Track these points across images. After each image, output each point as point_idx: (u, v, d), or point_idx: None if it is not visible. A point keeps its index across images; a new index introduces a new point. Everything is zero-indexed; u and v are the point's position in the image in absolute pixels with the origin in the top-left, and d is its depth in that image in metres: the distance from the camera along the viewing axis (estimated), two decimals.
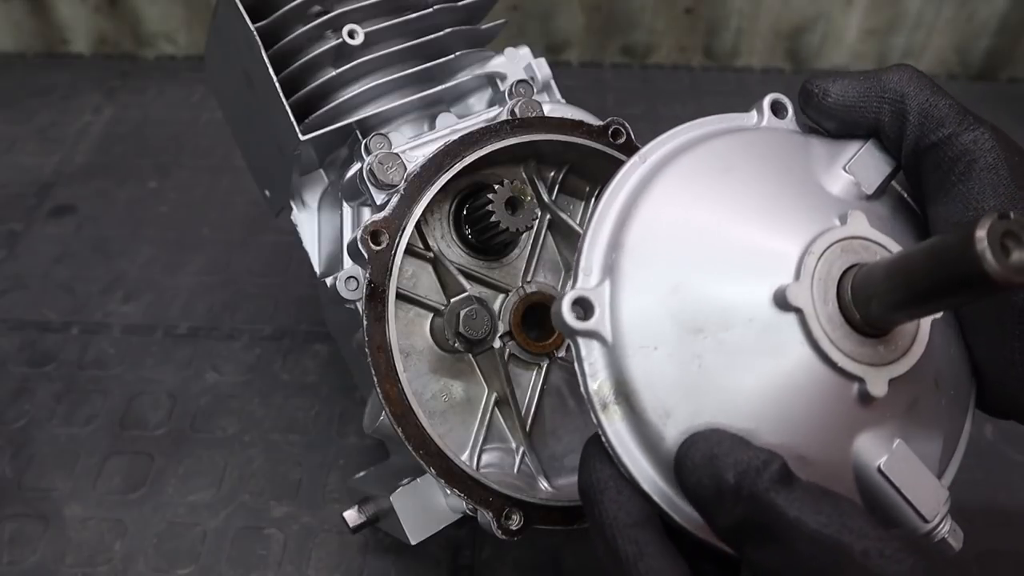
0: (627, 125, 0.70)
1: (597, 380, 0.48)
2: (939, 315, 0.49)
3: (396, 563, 0.90)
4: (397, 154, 0.66)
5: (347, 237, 0.72)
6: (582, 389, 0.48)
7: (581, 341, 0.48)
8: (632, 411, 0.48)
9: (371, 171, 0.65)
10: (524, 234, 0.70)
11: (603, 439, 0.48)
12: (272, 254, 1.24)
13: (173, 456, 0.99)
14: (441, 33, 0.74)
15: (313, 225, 0.78)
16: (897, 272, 0.44)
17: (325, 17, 0.72)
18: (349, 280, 0.65)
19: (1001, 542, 0.92)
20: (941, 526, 0.50)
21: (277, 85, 0.70)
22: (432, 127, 0.75)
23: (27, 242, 1.26)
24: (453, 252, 0.72)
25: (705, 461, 0.45)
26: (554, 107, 0.73)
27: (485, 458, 0.69)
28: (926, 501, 0.49)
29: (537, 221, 0.71)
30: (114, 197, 1.34)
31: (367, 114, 0.71)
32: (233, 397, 1.05)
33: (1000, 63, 1.65)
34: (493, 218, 0.66)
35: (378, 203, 0.66)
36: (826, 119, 0.57)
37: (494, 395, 0.70)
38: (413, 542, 0.68)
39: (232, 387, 1.07)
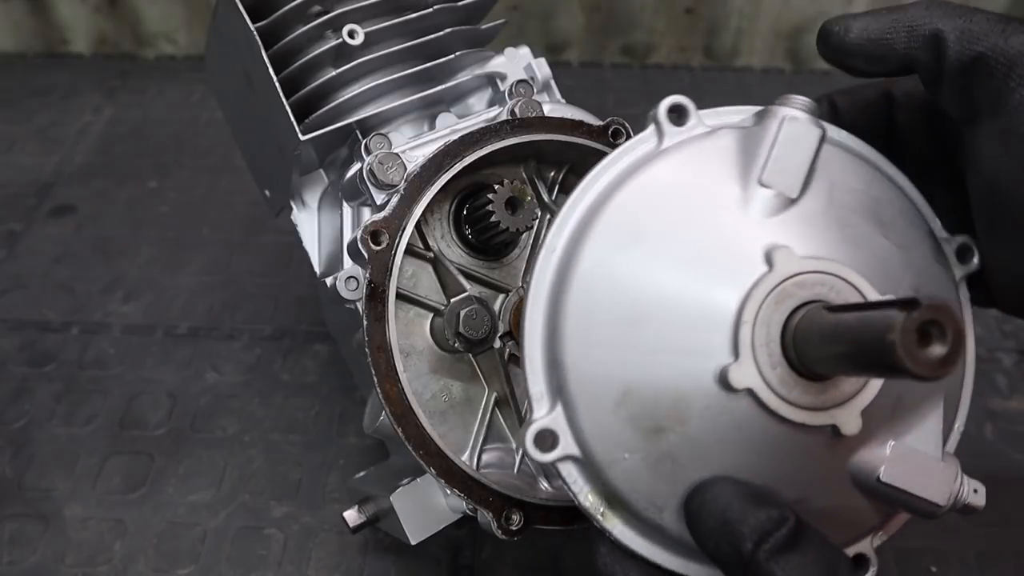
0: (627, 125, 0.70)
1: (586, 495, 0.50)
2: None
3: (396, 563, 0.90)
4: (397, 154, 0.66)
5: (347, 237, 0.72)
6: (577, 505, 0.50)
7: (558, 466, 0.49)
8: (628, 513, 0.50)
9: (371, 171, 0.65)
10: (524, 234, 0.70)
11: (612, 540, 0.50)
12: (272, 254, 1.24)
13: (173, 456, 0.99)
14: (441, 33, 0.74)
15: (313, 225, 0.78)
16: (830, 343, 0.42)
17: (325, 17, 0.72)
18: (349, 280, 0.65)
19: (1001, 542, 0.92)
20: (959, 497, 0.50)
21: (277, 85, 0.70)
22: (432, 127, 0.75)
23: (27, 242, 1.26)
24: (453, 252, 0.72)
25: (719, 527, 0.46)
26: (554, 107, 0.73)
27: (485, 458, 0.69)
28: (935, 489, 0.49)
29: (537, 221, 0.71)
30: (114, 197, 1.34)
31: (367, 114, 0.71)
32: (233, 397, 1.05)
33: None
34: (493, 218, 0.66)
35: (378, 203, 0.66)
36: (849, 57, 0.55)
37: (494, 395, 0.70)
38: (413, 542, 0.68)
39: (232, 387, 1.07)
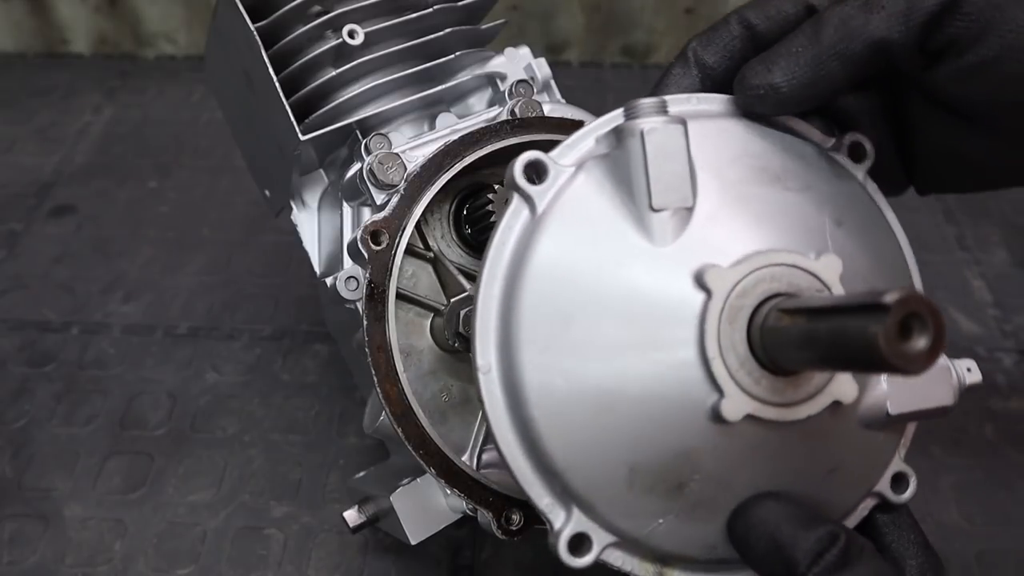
0: None
1: (639, 566, 0.50)
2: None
3: (396, 563, 0.90)
4: (397, 154, 0.66)
5: (347, 237, 0.72)
6: None
7: (603, 559, 0.49)
8: (685, 562, 0.50)
9: (371, 171, 0.65)
10: None
11: None
12: (272, 254, 1.24)
13: (173, 456, 0.99)
14: (441, 33, 0.74)
15: (313, 225, 0.78)
16: (805, 350, 0.42)
17: (325, 17, 0.72)
18: (349, 280, 0.65)
19: (1001, 542, 0.92)
20: (959, 387, 0.52)
21: (277, 85, 0.70)
22: (432, 127, 0.75)
23: (27, 242, 1.26)
24: (453, 252, 0.72)
25: (772, 552, 0.46)
26: (554, 107, 0.73)
27: (485, 458, 0.69)
28: (939, 394, 0.51)
29: None
30: (114, 197, 1.34)
31: (367, 114, 0.71)
32: (233, 397, 1.05)
33: None
34: (493, 218, 0.66)
35: (378, 203, 0.66)
36: (795, 108, 0.52)
37: None
38: (413, 542, 0.68)
39: (232, 387, 1.07)
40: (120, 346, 1.11)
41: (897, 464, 0.54)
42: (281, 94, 0.70)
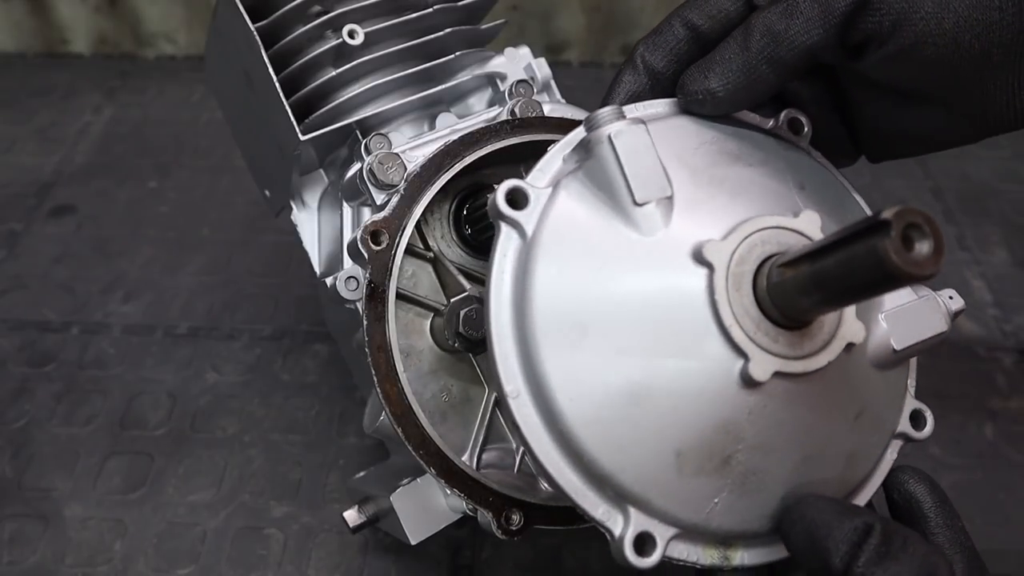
0: None
1: (704, 555, 0.51)
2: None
3: (396, 563, 0.90)
4: (397, 154, 0.66)
5: (347, 237, 0.72)
6: (702, 570, 0.52)
7: (668, 555, 0.49)
8: (746, 540, 0.51)
9: (371, 171, 0.65)
10: None
11: (747, 569, 0.52)
12: (272, 254, 1.24)
13: (173, 456, 0.99)
14: (441, 33, 0.74)
15: (313, 225, 0.78)
16: (813, 293, 0.44)
17: (325, 17, 0.72)
18: (349, 280, 0.65)
19: (1001, 542, 0.92)
20: (952, 303, 0.56)
21: (277, 85, 0.70)
22: (432, 127, 0.75)
23: (27, 242, 1.26)
24: (453, 252, 0.72)
25: (808, 545, 0.47)
26: (554, 107, 0.73)
27: (485, 458, 0.69)
28: (934, 323, 0.54)
29: None
30: (114, 197, 1.34)
31: (367, 114, 0.71)
32: (233, 397, 1.05)
33: None
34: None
35: (378, 203, 0.66)
36: (733, 109, 0.55)
37: (494, 395, 0.70)
38: (413, 542, 0.68)
39: (232, 387, 1.07)
40: (120, 346, 1.11)
41: (911, 403, 0.58)
42: (281, 94, 0.70)
